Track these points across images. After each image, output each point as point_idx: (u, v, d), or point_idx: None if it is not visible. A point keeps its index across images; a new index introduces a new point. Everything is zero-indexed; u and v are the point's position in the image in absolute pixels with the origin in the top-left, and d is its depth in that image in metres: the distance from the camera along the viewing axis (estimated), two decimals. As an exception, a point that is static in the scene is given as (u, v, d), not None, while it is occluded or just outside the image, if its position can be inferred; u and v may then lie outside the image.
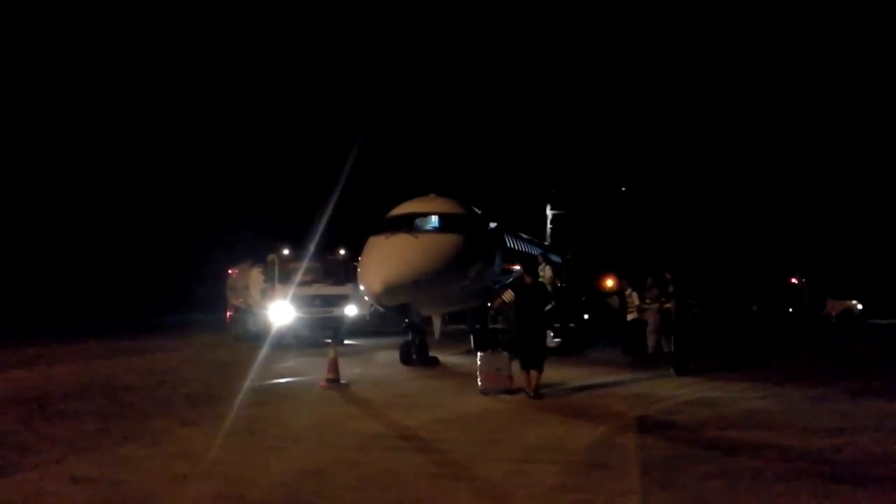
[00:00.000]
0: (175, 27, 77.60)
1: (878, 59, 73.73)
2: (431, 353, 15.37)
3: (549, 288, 17.56)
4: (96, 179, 57.79)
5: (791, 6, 77.35)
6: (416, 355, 14.97)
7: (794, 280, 42.68)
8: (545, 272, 18.32)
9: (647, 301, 17.78)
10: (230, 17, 78.45)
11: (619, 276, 20.08)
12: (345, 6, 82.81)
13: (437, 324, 16.92)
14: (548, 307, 20.37)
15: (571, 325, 20.64)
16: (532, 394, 10.23)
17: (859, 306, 37.79)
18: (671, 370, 13.50)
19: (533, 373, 10.38)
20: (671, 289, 15.17)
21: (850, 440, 7.31)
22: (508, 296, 10.98)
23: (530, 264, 12.93)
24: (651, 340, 17.46)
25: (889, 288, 42.04)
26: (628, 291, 18.55)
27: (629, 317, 18.41)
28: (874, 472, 6.02)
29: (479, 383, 10.81)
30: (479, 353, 11.27)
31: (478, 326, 15.28)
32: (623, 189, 42.93)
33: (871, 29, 74.59)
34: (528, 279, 11.21)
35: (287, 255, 22.03)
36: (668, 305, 16.00)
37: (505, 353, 10.88)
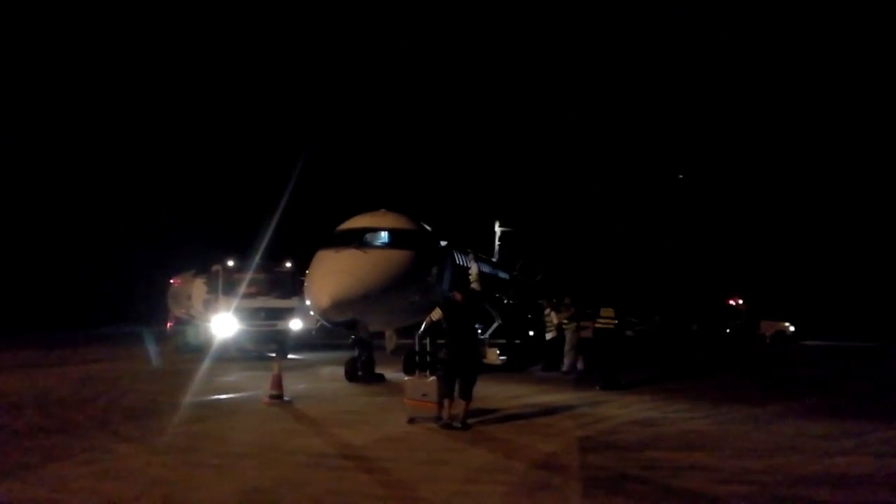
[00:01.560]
0: (114, 27, 75.86)
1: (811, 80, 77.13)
2: (379, 370, 15.32)
3: (476, 286, 17.54)
4: (36, 186, 55.74)
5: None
6: (362, 371, 14.88)
7: (731, 301, 44.09)
8: (473, 269, 18.53)
9: (565, 321, 18.13)
10: (173, 21, 77.11)
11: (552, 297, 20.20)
12: (294, 15, 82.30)
13: (390, 338, 16.90)
14: (494, 326, 20.59)
15: (517, 341, 20.91)
16: (459, 424, 9.46)
17: (791, 328, 39.28)
18: (596, 387, 14.14)
19: (459, 402, 9.58)
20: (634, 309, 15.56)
21: (780, 462, 7.61)
22: (437, 314, 9.99)
23: (462, 280, 12.31)
24: (568, 359, 17.81)
25: (819, 311, 43.83)
26: (547, 311, 18.87)
27: (548, 335, 18.73)
28: (801, 494, 6.28)
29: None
30: (406, 378, 10.53)
31: (420, 348, 14.83)
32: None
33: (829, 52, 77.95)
34: (458, 296, 10.32)
35: (232, 266, 21.67)
36: (587, 324, 16.42)
37: (432, 378, 10.09)
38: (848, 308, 45.60)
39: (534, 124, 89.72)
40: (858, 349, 32.17)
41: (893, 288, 46.72)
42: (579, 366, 17.72)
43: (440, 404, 9.73)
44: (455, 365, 9.68)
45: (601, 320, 15.02)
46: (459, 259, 19.46)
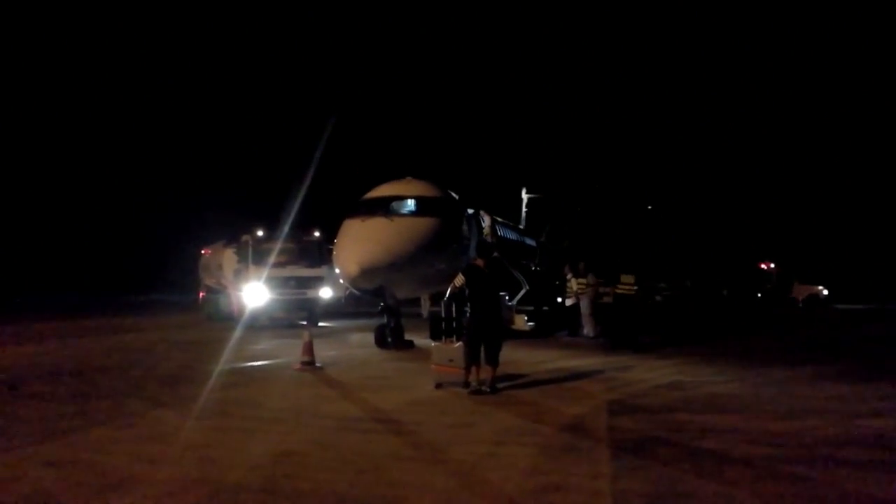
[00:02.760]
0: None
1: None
2: (410, 336, 15.46)
3: (489, 239, 17.51)
4: (69, 159, 56.74)
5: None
6: (392, 338, 15.03)
7: (763, 265, 43.54)
8: (486, 221, 18.59)
9: (581, 286, 18.03)
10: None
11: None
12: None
13: (424, 303, 17.12)
14: (521, 292, 20.56)
15: (545, 307, 20.91)
16: (488, 388, 9.51)
17: (825, 291, 38.75)
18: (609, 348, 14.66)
19: (487, 367, 9.62)
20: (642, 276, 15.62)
21: (807, 424, 7.56)
22: (459, 280, 9.99)
23: (483, 246, 12.30)
24: (588, 324, 17.78)
25: (852, 275, 43.11)
26: (568, 276, 18.76)
27: (568, 302, 18.68)
28: (830, 455, 6.24)
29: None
30: (433, 343, 10.51)
31: (446, 314, 14.89)
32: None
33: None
34: (479, 262, 10.23)
35: (261, 236, 21.95)
36: (607, 290, 16.43)
37: (459, 343, 10.12)
38: (884, 272, 44.73)
39: (559, 90, 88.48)
40: (891, 312, 31.61)
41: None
42: (593, 332, 17.76)
43: (467, 370, 9.76)
44: (478, 330, 9.70)
45: (621, 286, 15.09)
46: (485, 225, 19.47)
